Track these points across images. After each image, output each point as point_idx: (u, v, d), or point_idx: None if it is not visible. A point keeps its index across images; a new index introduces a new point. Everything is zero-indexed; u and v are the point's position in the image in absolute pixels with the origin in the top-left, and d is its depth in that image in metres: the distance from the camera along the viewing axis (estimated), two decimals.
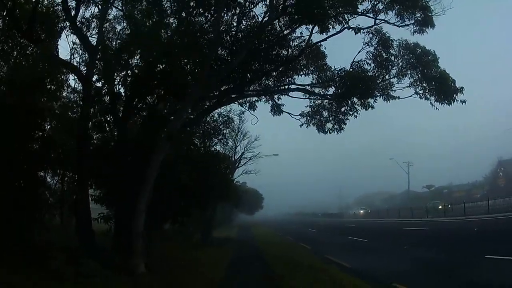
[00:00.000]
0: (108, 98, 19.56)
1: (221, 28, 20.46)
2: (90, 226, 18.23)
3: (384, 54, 23.94)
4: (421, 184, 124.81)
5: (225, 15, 20.96)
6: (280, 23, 22.22)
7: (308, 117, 27.76)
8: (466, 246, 24.33)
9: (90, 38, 19.87)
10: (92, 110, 19.20)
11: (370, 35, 23.50)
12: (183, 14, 20.45)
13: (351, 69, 24.29)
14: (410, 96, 24.88)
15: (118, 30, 21.49)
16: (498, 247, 20.29)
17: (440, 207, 65.45)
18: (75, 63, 21.14)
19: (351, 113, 26.17)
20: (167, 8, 20.13)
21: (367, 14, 22.29)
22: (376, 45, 23.77)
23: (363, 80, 23.41)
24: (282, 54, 23.36)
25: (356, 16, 22.30)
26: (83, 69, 20.13)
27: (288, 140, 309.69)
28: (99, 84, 19.72)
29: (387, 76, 24.97)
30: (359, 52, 24.18)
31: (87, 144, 18.97)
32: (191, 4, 20.46)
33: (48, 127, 21.71)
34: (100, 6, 19.88)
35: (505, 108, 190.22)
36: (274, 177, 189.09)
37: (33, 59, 18.38)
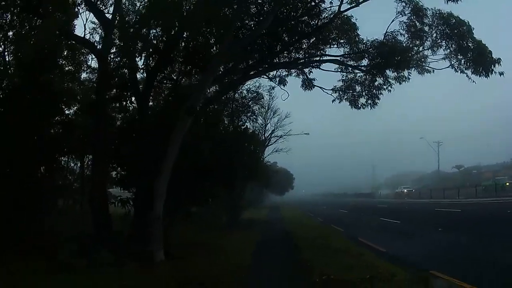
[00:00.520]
0: (127, 72, 18.47)
1: None
2: (106, 210, 17.29)
3: (418, 24, 22.79)
4: (449, 164, 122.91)
5: None
6: None
7: (340, 92, 26.84)
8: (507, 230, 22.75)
9: (106, 14, 18.79)
10: (109, 87, 18.16)
11: (403, 4, 22.33)
12: None
13: (384, 40, 23.06)
14: (445, 68, 23.81)
15: (136, 2, 20.30)
16: None
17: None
18: (91, 40, 20.24)
19: (385, 87, 25.47)
20: None
21: None
22: (409, 15, 22.58)
23: (398, 50, 22.24)
24: (312, 23, 22.03)
25: None
26: (99, 46, 19.18)
27: (318, 119, 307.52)
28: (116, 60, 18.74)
29: (421, 48, 23.92)
30: (392, 21, 23.03)
31: (103, 122, 17.89)
32: None
33: (67, 110, 21.09)
34: None
35: None
36: (305, 157, 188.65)
37: (45, 35, 17.36)
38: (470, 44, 22.05)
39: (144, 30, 18.18)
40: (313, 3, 21.00)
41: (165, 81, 19.61)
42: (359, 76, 26.14)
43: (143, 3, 19.43)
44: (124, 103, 18.57)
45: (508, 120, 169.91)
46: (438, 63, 23.94)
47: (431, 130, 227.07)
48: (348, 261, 15.54)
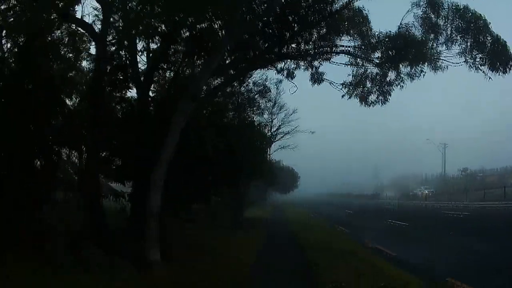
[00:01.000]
0: (126, 55, 17.39)
1: None
2: (98, 204, 16.14)
3: (433, 17, 21.44)
4: (454, 167, 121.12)
5: None
6: None
7: (350, 88, 25.13)
8: None
9: None
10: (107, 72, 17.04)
11: None
12: None
13: (398, 32, 22.01)
14: (460, 65, 22.00)
15: None
16: None
17: None
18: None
19: (396, 83, 23.85)
20: None
21: None
22: (424, 7, 21.30)
23: (414, 43, 21.11)
24: (322, 10, 20.99)
25: None
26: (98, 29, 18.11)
27: (324, 119, 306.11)
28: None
29: (435, 44, 22.20)
30: (407, 12, 21.58)
31: (101, 110, 16.74)
32: None
33: (69, 101, 20.19)
34: None
35: None
36: (310, 156, 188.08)
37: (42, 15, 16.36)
38: (487, 39, 20.83)
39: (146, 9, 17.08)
40: None
41: (167, 66, 18.52)
42: (369, 72, 24.70)
43: None
44: (122, 88, 17.31)
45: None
46: (452, 59, 22.29)
47: (436, 132, 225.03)
48: (358, 266, 14.51)
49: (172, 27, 16.21)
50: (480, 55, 21.20)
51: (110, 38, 17.49)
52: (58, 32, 20.74)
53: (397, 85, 23.82)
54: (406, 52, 21.17)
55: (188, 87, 14.63)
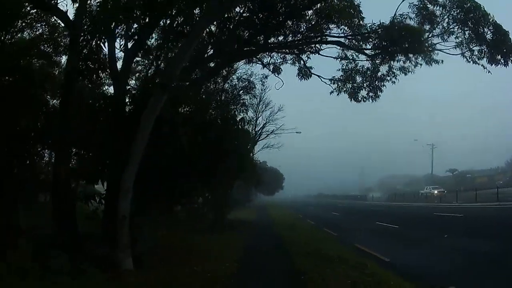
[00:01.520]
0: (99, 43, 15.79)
1: None
2: (70, 207, 14.53)
3: (429, 6, 20.95)
4: (443, 168, 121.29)
5: None
6: None
7: (339, 83, 25.02)
8: None
9: None
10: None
11: None
12: None
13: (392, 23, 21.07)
14: (456, 56, 21.92)
15: None
16: None
17: None
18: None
19: (388, 78, 23.66)
20: None
21: None
22: None
23: (410, 31, 20.05)
24: None
25: None
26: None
27: (310, 119, 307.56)
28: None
29: (430, 35, 22.01)
30: (402, 1, 21.03)
31: (71, 104, 15.14)
32: None
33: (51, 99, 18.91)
34: None
35: None
36: (295, 157, 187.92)
37: None
38: (487, 29, 20.23)
39: None
40: None
41: (145, 56, 17.19)
42: (360, 66, 24.37)
43: None
44: (91, 77, 15.62)
45: (503, 124, 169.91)
46: (448, 52, 22.21)
47: (423, 133, 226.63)
48: (350, 274, 13.21)
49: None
50: (478, 48, 20.85)
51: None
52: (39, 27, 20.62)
53: (389, 80, 23.54)
54: (402, 41, 20.04)
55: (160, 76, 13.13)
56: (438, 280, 12.61)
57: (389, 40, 20.68)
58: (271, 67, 26.15)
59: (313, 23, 21.59)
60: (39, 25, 21.26)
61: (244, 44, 21.20)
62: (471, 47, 21.10)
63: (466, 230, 25.63)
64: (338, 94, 25.17)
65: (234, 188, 36.88)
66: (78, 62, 14.53)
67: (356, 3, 20.78)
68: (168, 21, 16.72)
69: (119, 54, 16.93)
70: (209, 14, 13.70)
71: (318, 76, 24.89)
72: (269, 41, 21.87)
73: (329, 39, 22.38)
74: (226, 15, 18.40)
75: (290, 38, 22.42)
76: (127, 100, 15.94)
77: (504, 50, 19.69)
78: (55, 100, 20.43)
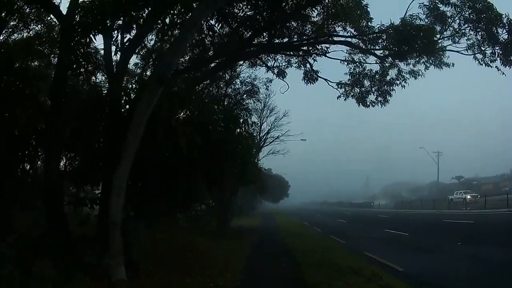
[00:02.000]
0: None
1: None
2: (60, 209, 13.56)
3: (441, 6, 19.87)
4: (448, 175, 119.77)
5: None
6: None
7: (346, 88, 24.24)
8: None
9: None
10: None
11: None
12: None
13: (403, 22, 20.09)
14: (467, 56, 20.94)
15: None
16: None
17: None
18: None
19: (397, 82, 22.92)
20: None
21: None
22: None
23: (422, 30, 19.29)
24: None
25: None
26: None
27: (316, 126, 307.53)
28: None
29: (441, 36, 21.13)
30: (412, 1, 20.14)
31: (62, 101, 14.17)
32: None
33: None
34: None
35: None
36: (301, 164, 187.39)
37: None
38: (501, 30, 19.32)
39: None
40: None
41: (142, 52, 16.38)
42: (368, 70, 23.63)
43: None
44: (84, 71, 14.63)
45: (508, 131, 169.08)
46: (461, 52, 21.24)
47: (428, 140, 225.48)
48: (363, 286, 12.26)
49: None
50: (491, 50, 20.03)
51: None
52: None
53: (398, 84, 22.85)
54: (413, 41, 19.18)
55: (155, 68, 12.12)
56: None
57: (399, 40, 19.75)
58: (276, 70, 25.47)
59: (319, 23, 20.75)
60: (35, 25, 20.96)
61: (247, 43, 20.27)
62: (483, 49, 20.30)
63: (480, 237, 24.62)
64: (345, 99, 24.51)
65: (238, 194, 35.96)
66: (69, 56, 13.61)
67: (363, 4, 20.15)
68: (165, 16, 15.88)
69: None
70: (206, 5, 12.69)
71: (325, 79, 24.26)
72: (274, 41, 21.00)
73: (337, 39, 21.47)
74: (227, 10, 17.49)
75: (295, 39, 21.56)
76: (123, 101, 14.92)
77: None
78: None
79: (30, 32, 21.02)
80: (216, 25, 16.78)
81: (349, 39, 21.44)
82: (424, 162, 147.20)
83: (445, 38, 21.10)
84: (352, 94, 24.21)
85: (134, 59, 20.86)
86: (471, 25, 19.92)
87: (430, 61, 22.02)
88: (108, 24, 14.02)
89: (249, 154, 18.51)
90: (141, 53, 18.87)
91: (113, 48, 15.81)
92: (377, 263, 17.31)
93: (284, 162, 76.97)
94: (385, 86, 23.19)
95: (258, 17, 18.98)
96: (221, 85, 30.62)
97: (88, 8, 13.22)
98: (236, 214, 40.22)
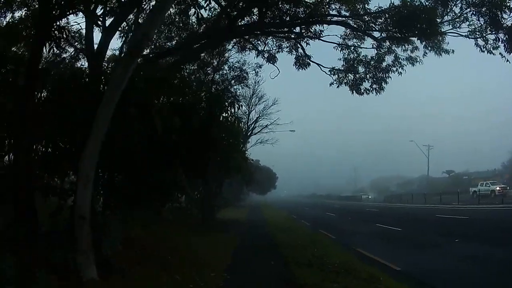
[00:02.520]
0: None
1: None
2: (29, 200, 12.02)
3: None
4: (437, 169, 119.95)
5: None
6: None
7: (339, 74, 23.38)
8: None
9: None
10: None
11: None
12: None
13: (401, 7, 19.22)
14: (470, 38, 20.07)
15: None
16: None
17: None
18: None
19: (394, 69, 22.03)
20: None
21: None
22: None
23: (424, 11, 18.38)
24: None
25: None
26: None
27: (305, 119, 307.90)
28: None
29: (441, 20, 20.08)
30: None
31: (34, 83, 12.75)
32: None
33: None
34: None
35: None
36: (289, 156, 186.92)
37: None
38: (506, 15, 18.38)
39: None
40: None
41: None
42: (363, 56, 22.81)
43: None
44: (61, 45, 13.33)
45: (499, 127, 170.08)
46: (461, 34, 20.38)
47: (419, 133, 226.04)
48: None
49: None
50: (494, 36, 19.24)
51: None
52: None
53: (394, 71, 22.07)
54: (414, 21, 18.14)
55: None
56: None
57: (399, 20, 18.77)
58: (266, 55, 24.61)
59: (313, 5, 19.68)
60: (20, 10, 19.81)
61: (235, 22, 19.05)
62: (485, 35, 19.49)
63: (479, 233, 23.44)
64: (338, 86, 23.65)
65: (224, 186, 34.68)
66: (46, 29, 12.23)
67: None
68: None
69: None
70: None
71: (318, 64, 23.29)
72: (265, 20, 19.82)
73: (333, 19, 20.31)
74: None
75: (288, 19, 20.40)
76: (102, 84, 13.52)
77: None
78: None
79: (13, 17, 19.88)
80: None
81: (346, 19, 20.36)
82: (414, 156, 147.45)
83: (446, 23, 20.17)
84: (345, 81, 23.37)
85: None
86: (474, 9, 18.99)
87: (429, 47, 21.13)
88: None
89: (235, 141, 17.11)
90: (120, 29, 17.50)
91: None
92: (371, 261, 16.23)
93: (273, 155, 75.80)
94: (381, 73, 22.36)
95: None
96: (209, 71, 29.39)
97: None
98: (223, 206, 38.92)
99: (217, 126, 14.52)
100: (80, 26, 16.09)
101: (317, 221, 40.83)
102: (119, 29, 16.80)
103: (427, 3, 18.93)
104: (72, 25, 17.11)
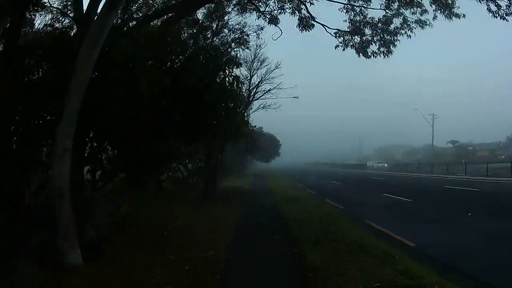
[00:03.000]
0: None
1: None
2: (11, 177, 10.91)
3: None
4: (441, 139, 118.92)
5: None
6: None
7: (345, 37, 22.31)
8: None
9: None
10: None
11: None
12: None
13: None
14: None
15: None
16: None
17: None
18: None
19: (402, 31, 21.11)
20: None
21: None
22: None
23: None
24: None
25: None
26: None
27: (307, 83, 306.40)
28: None
29: None
30: None
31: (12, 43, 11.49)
32: None
33: None
34: None
35: None
36: (293, 123, 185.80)
37: None
38: None
39: None
40: None
41: None
42: (370, 18, 21.60)
43: None
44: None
45: (505, 99, 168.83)
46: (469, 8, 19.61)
47: (423, 103, 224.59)
48: (379, 271, 9.63)
49: None
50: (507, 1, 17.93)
51: None
52: None
53: (403, 34, 21.11)
54: None
55: None
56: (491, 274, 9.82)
57: None
58: (268, 17, 23.27)
59: None
60: None
61: None
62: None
63: (497, 208, 22.18)
64: (343, 49, 22.45)
65: (226, 153, 33.52)
66: None
67: None
68: None
69: None
70: None
71: (323, 25, 22.01)
72: None
73: None
74: None
75: None
76: None
77: None
78: None
79: None
80: None
81: None
82: (418, 125, 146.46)
83: None
84: (351, 44, 22.30)
85: None
86: None
87: (440, 9, 19.91)
88: None
89: (234, 103, 15.61)
90: None
91: None
92: (383, 236, 15.10)
93: (276, 121, 74.36)
94: (389, 36, 21.34)
95: None
96: (208, 35, 28.03)
97: None
98: (226, 175, 37.84)
99: (214, 87, 13.14)
100: None
101: (323, 190, 39.77)
102: None
103: None
104: None
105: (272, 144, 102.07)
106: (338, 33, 22.20)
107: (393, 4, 20.35)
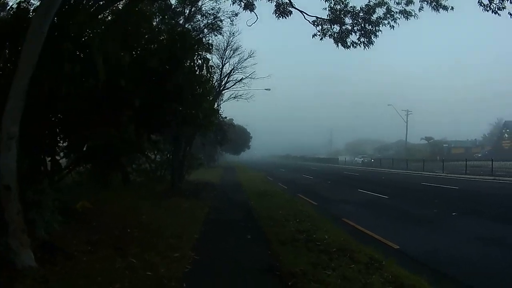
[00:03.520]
0: None
1: None
2: None
3: None
4: (415, 136, 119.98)
5: None
6: None
7: (323, 25, 21.24)
8: None
9: None
10: None
11: None
12: None
13: None
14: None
15: None
16: None
17: None
18: None
19: (385, 22, 20.11)
20: None
21: None
22: None
23: None
24: None
25: None
26: None
27: (281, 75, 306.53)
28: None
29: None
30: None
31: None
32: None
33: None
34: None
35: None
36: (263, 116, 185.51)
37: None
38: None
39: None
40: None
41: None
42: (351, 7, 20.68)
43: None
44: None
45: (483, 99, 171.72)
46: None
47: (398, 99, 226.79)
48: (366, 281, 8.58)
49: None
50: None
51: None
52: None
53: (386, 25, 20.14)
54: None
55: None
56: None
57: None
58: (242, 4, 21.83)
59: None
60: None
61: None
62: None
63: (483, 208, 21.27)
64: (321, 39, 21.35)
65: (195, 145, 32.36)
66: None
67: None
68: None
69: None
70: None
71: (301, 11, 21.02)
72: None
73: None
74: None
75: None
76: None
77: None
78: None
79: None
80: None
81: None
82: (392, 121, 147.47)
83: None
84: (330, 33, 21.19)
85: None
86: None
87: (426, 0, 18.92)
88: None
89: (203, 87, 14.33)
90: None
91: None
92: (364, 236, 14.17)
93: (247, 113, 74.10)
94: (370, 26, 20.37)
95: None
96: (180, 22, 26.81)
97: None
98: (195, 167, 36.58)
99: (180, 70, 11.82)
100: None
101: (295, 185, 39.09)
102: None
103: None
104: None
105: (242, 137, 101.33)
106: (317, 22, 21.26)
107: None
